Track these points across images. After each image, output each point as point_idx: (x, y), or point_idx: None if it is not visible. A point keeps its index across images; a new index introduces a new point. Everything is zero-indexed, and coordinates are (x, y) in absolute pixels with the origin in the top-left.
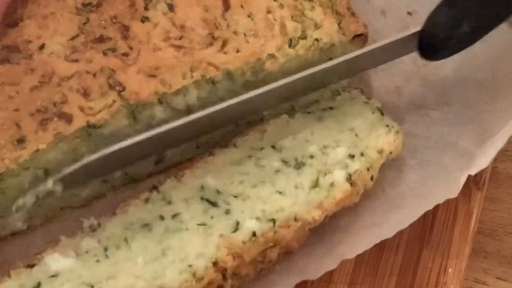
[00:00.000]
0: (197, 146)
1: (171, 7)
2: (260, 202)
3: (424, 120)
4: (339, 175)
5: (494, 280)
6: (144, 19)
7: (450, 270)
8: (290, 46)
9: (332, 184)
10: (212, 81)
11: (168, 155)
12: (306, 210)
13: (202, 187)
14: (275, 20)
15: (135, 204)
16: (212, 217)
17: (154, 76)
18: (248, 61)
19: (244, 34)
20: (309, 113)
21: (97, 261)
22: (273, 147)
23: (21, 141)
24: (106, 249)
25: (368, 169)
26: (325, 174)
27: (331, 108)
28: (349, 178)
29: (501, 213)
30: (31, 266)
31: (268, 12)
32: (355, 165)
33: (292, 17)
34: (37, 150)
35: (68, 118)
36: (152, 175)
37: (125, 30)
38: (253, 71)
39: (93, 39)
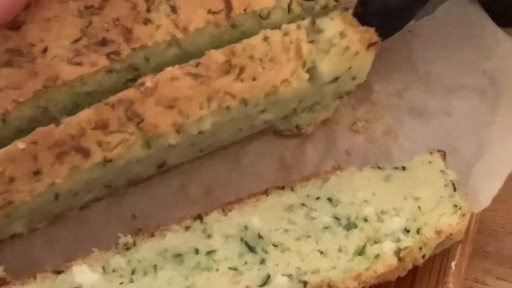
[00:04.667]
0: (200, 150)
1: (173, 9)
2: (298, 258)
3: (424, 128)
4: (388, 247)
5: (494, 280)
6: (147, 21)
7: (450, 270)
8: (304, 68)
9: (377, 256)
10: (228, 108)
11: (168, 159)
12: (342, 279)
13: (246, 227)
14: (291, 43)
15: (175, 230)
16: (245, 263)
17: (172, 107)
18: (264, 89)
19: (260, 60)
20: (379, 168)
21: (121, 283)
22: (329, 199)
23: (37, 173)
24: (133, 272)
25: (420, 248)
26: (374, 242)
27: (403, 168)
28: (397, 252)
29: (501, 213)
30: (58, 272)
31: (285, 34)
32: (408, 241)
33: (308, 36)
34: (53, 183)
35: (85, 153)
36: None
37: (127, 32)
38: (266, 97)
39: (96, 42)
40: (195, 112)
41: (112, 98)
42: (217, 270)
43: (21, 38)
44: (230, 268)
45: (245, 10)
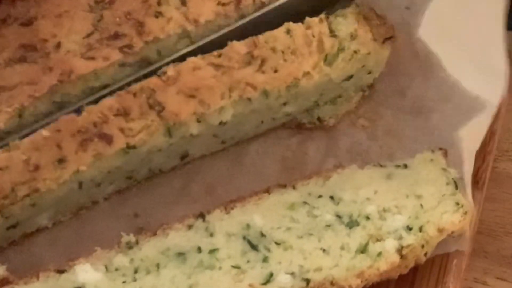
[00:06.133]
0: (222, 142)
1: (183, 2)
2: (301, 256)
3: (426, 126)
4: (390, 245)
5: (494, 280)
6: (158, 14)
7: (450, 269)
8: (325, 62)
9: (380, 254)
10: (249, 99)
11: (190, 150)
12: (345, 277)
13: (248, 226)
14: (313, 36)
15: (177, 229)
16: (248, 261)
17: (193, 96)
18: (285, 81)
19: (282, 52)
20: (381, 166)
21: (124, 282)
22: (331, 197)
23: (61, 161)
24: (135, 271)
25: (423, 246)
26: (376, 240)
27: (405, 166)
28: (400, 250)
29: (501, 213)
30: (61, 271)
31: (308, 27)
32: (410, 239)
33: (330, 31)
34: (77, 170)
35: (108, 139)
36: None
37: (139, 26)
38: (288, 89)
39: (108, 36)
40: (216, 101)
41: (134, 86)
42: (220, 268)
43: (33, 34)
44: (233, 267)
45: (253, 1)
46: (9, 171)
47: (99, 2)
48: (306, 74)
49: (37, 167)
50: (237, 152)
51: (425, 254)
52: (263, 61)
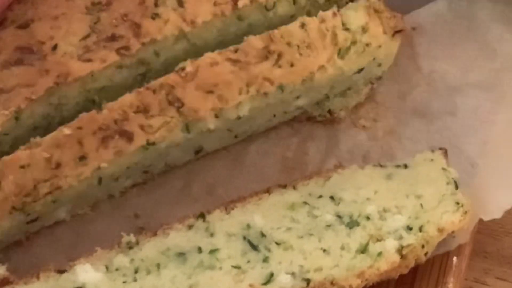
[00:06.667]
0: (236, 135)
1: (180, 3)
2: (301, 256)
3: (428, 129)
4: (390, 245)
5: (494, 280)
6: (155, 16)
7: (450, 269)
8: (339, 55)
9: (380, 254)
10: (265, 94)
11: (205, 144)
12: (345, 277)
13: (248, 226)
14: (327, 30)
15: (178, 229)
16: (248, 261)
17: (212, 92)
18: (301, 75)
19: (298, 46)
20: (381, 166)
21: (124, 282)
22: (331, 197)
23: (82, 158)
24: (136, 271)
25: (423, 246)
26: (377, 240)
27: (405, 166)
28: (400, 250)
29: None
30: (61, 271)
31: (321, 21)
32: (410, 239)
33: (343, 25)
34: (98, 167)
35: (129, 136)
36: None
37: (136, 27)
38: (303, 82)
39: (105, 38)
40: (234, 97)
41: (154, 83)
42: (220, 268)
43: (30, 36)
44: (233, 267)
45: (251, 1)
46: (31, 169)
47: (96, 4)
48: (321, 67)
49: (58, 165)
50: (237, 152)
51: (426, 254)
52: (279, 56)
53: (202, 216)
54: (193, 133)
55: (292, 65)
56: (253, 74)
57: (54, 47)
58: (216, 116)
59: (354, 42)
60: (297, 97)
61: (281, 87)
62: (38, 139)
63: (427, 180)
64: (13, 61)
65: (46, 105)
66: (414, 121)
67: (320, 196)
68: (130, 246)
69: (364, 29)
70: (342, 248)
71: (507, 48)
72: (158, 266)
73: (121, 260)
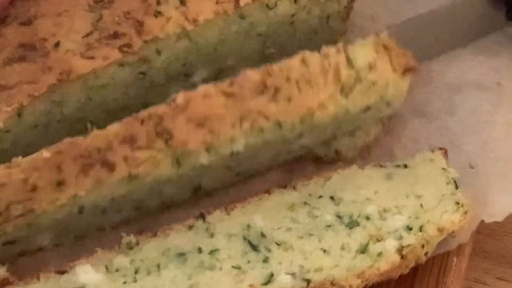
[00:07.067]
0: (237, 174)
1: (182, 1)
2: (301, 256)
3: (427, 128)
4: (390, 245)
5: (494, 280)
6: (157, 14)
7: (450, 270)
8: (342, 93)
9: (380, 254)
10: (261, 129)
11: (203, 182)
12: (346, 276)
13: (248, 226)
14: (329, 66)
15: (178, 230)
16: (249, 261)
17: (202, 125)
18: (299, 112)
19: (297, 81)
20: (381, 166)
21: (124, 282)
22: (331, 198)
23: (60, 184)
24: (136, 272)
25: (423, 246)
26: (377, 240)
27: (405, 166)
28: (400, 250)
29: None
30: (61, 272)
31: (324, 57)
32: (410, 239)
33: (347, 61)
34: (76, 195)
35: (110, 167)
36: (191, 201)
37: (139, 25)
38: (302, 120)
39: (108, 35)
40: (226, 131)
41: (142, 113)
42: (220, 269)
43: (33, 33)
44: (233, 267)
45: (253, 0)
46: (6, 189)
47: (99, 1)
48: (321, 105)
49: (34, 188)
50: None
51: (426, 253)
52: (276, 91)
53: (202, 216)
54: (185, 168)
55: (289, 101)
56: (248, 108)
57: (57, 44)
58: (208, 150)
59: (359, 80)
60: (300, 136)
61: (278, 124)
62: (19, 158)
63: (427, 180)
64: (15, 58)
65: (48, 102)
66: (414, 121)
67: (320, 196)
68: (130, 247)
69: (371, 67)
70: (342, 248)
71: (508, 47)
72: (158, 266)
73: (121, 260)
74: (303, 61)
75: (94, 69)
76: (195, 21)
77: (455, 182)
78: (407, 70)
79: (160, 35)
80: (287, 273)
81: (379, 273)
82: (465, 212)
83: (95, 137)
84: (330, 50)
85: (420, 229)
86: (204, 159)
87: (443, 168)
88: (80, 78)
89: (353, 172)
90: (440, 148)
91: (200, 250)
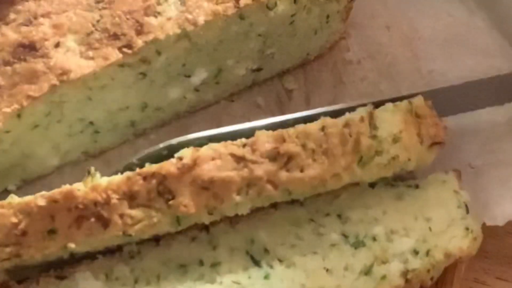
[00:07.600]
0: None
1: (182, 2)
2: (303, 275)
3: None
4: (395, 268)
5: (494, 280)
6: (157, 14)
7: (450, 270)
8: (359, 164)
9: (384, 277)
10: (268, 197)
11: None
12: None
13: (252, 241)
14: (350, 135)
15: (180, 240)
16: (249, 277)
17: (207, 189)
18: (311, 183)
19: (313, 151)
20: (392, 186)
21: None
22: (339, 216)
23: (51, 232)
24: (135, 281)
25: (428, 271)
26: (382, 262)
27: (416, 186)
28: (405, 274)
29: None
30: (61, 278)
31: (345, 125)
32: (416, 263)
33: (372, 128)
34: (65, 246)
35: (105, 223)
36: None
37: (139, 26)
38: (313, 190)
39: (108, 36)
40: (231, 197)
41: (146, 169)
42: (220, 283)
43: (33, 33)
44: (233, 282)
45: (252, 0)
46: None
47: (99, 2)
48: (335, 175)
49: (25, 233)
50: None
51: (432, 278)
52: (289, 159)
53: (206, 228)
54: (185, 226)
55: (301, 170)
56: (256, 175)
57: (57, 44)
58: (210, 213)
59: (379, 153)
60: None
61: (287, 191)
62: (15, 198)
63: (438, 202)
64: (16, 59)
65: (48, 102)
66: None
67: (327, 214)
68: (131, 256)
69: (396, 140)
70: (346, 268)
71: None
72: (158, 277)
73: (121, 269)
74: (323, 128)
75: (94, 70)
76: (195, 21)
77: (466, 206)
78: (435, 144)
79: (160, 36)
80: None
81: None
82: (474, 239)
83: (95, 189)
84: (353, 118)
85: (427, 253)
86: (205, 219)
87: (455, 191)
88: (80, 79)
89: (363, 190)
90: (454, 170)
91: (201, 263)
